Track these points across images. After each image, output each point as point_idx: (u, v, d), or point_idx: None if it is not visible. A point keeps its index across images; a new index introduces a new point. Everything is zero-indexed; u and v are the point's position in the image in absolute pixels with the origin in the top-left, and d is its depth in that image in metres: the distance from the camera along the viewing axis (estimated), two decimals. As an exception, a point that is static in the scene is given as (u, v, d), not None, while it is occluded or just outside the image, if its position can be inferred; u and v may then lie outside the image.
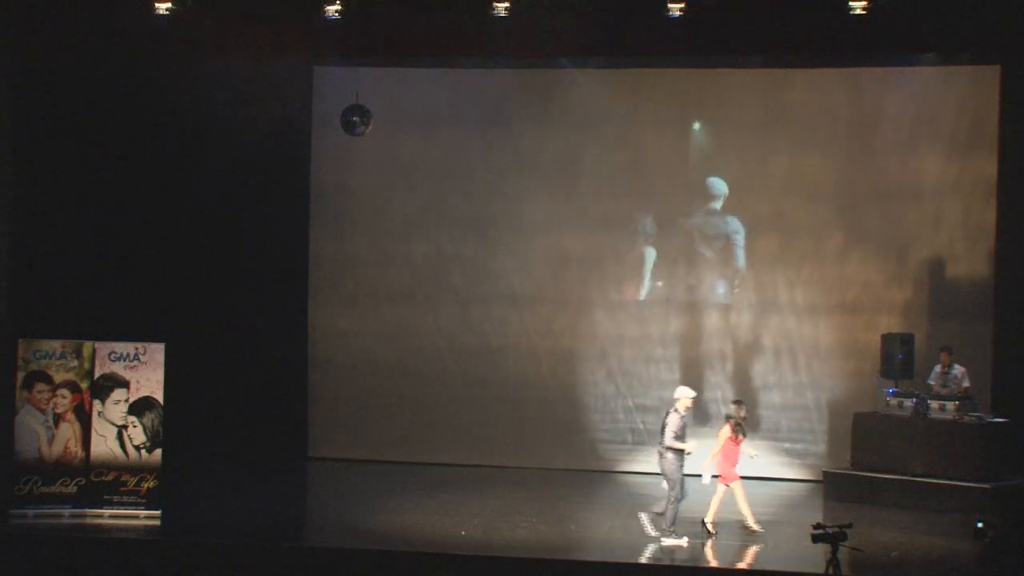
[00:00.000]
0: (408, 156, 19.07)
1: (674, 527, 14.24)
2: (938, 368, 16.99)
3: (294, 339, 19.06)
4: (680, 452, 14.27)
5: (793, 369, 18.47)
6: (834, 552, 10.94)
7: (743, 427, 14.77)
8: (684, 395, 14.50)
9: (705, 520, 14.56)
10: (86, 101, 17.86)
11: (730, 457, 14.66)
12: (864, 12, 14.54)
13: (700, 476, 14.58)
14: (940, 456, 16.27)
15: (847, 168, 18.38)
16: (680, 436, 14.28)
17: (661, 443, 14.38)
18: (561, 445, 18.65)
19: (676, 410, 14.38)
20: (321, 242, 19.29)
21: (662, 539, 14.20)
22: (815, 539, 11.05)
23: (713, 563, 13.80)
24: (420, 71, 18.90)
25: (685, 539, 14.15)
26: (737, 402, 15.11)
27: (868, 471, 16.71)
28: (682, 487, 14.31)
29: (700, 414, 18.56)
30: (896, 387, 17.07)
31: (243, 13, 15.43)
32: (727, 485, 14.68)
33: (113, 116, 18.13)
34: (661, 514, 14.45)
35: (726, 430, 14.68)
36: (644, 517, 14.60)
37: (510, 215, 19.03)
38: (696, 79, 18.66)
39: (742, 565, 13.92)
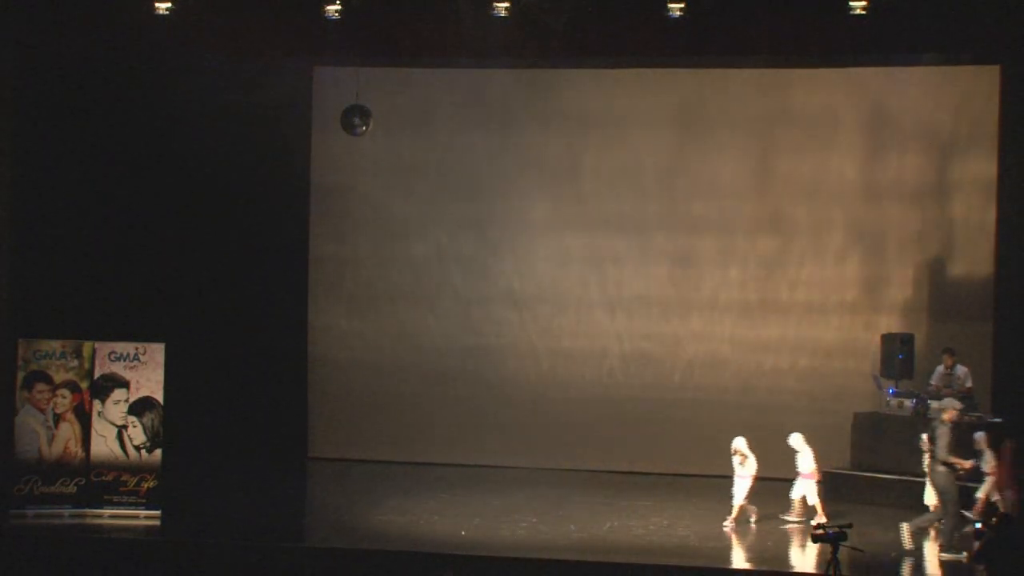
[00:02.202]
0: (408, 156, 19.07)
1: (954, 543, 14.05)
2: (941, 369, 16.98)
3: (294, 339, 19.05)
4: (953, 466, 14.16)
5: (793, 369, 18.46)
6: (834, 552, 10.95)
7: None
8: (951, 406, 14.49)
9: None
10: (86, 100, 17.87)
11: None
12: (864, 12, 14.53)
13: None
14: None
15: (847, 168, 18.37)
16: (954, 450, 14.17)
17: (934, 457, 14.23)
18: (561, 445, 18.60)
19: (943, 422, 14.26)
20: (321, 242, 19.28)
21: (941, 553, 14.06)
22: (815, 539, 11.08)
23: (713, 563, 13.80)
24: (420, 71, 18.89)
25: (964, 554, 13.93)
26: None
27: (868, 471, 16.69)
28: (956, 501, 14.11)
29: (703, 414, 18.57)
30: (896, 387, 17.06)
31: (243, 13, 15.44)
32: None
33: (113, 116, 18.14)
34: (924, 528, 14.42)
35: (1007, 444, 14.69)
36: (904, 529, 14.20)
37: (510, 215, 19.02)
38: (696, 79, 18.65)
39: (741, 565, 13.93)
